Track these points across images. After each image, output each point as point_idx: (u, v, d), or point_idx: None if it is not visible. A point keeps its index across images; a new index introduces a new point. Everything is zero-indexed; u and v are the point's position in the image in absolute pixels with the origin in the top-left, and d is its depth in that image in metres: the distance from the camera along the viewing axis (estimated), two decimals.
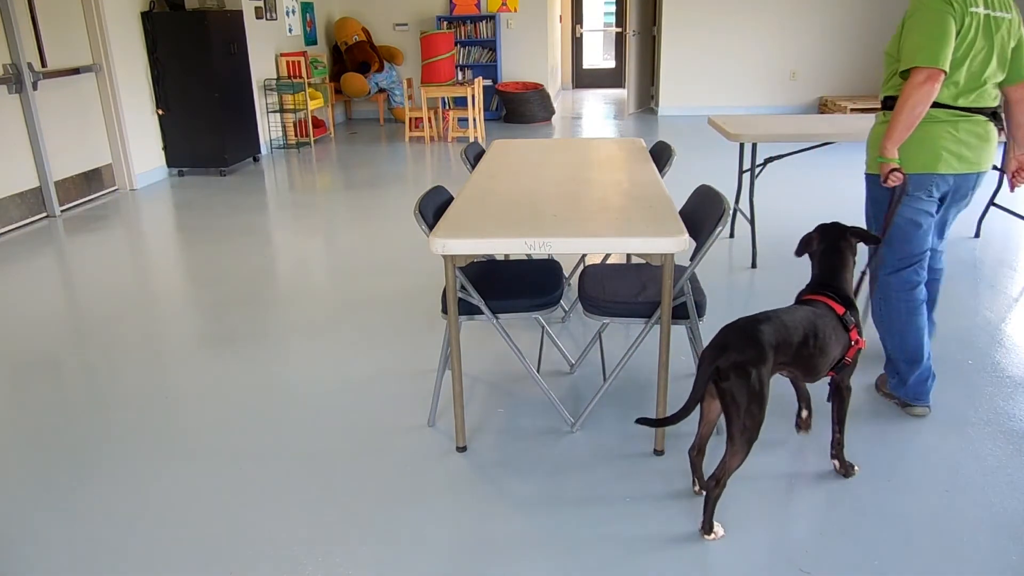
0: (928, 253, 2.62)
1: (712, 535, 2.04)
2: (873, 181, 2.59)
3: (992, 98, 2.47)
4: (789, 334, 2.03)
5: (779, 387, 2.82)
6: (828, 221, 2.39)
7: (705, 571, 1.93)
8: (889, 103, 2.48)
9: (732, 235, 4.75)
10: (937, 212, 2.60)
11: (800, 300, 2.29)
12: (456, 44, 9.70)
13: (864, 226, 2.56)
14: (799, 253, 2.40)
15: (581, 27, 13.77)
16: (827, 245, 2.33)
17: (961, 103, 2.42)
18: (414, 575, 1.95)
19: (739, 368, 1.90)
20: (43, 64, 5.44)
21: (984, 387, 2.82)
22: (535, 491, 2.27)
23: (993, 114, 2.48)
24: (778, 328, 2.01)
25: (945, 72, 2.32)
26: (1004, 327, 3.33)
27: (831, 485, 2.26)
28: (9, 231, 5.19)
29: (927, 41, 2.30)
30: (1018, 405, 2.69)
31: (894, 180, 2.42)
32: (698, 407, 1.99)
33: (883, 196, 2.54)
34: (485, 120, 9.37)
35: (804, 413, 2.53)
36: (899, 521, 2.10)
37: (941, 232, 2.79)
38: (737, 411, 1.92)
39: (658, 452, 2.44)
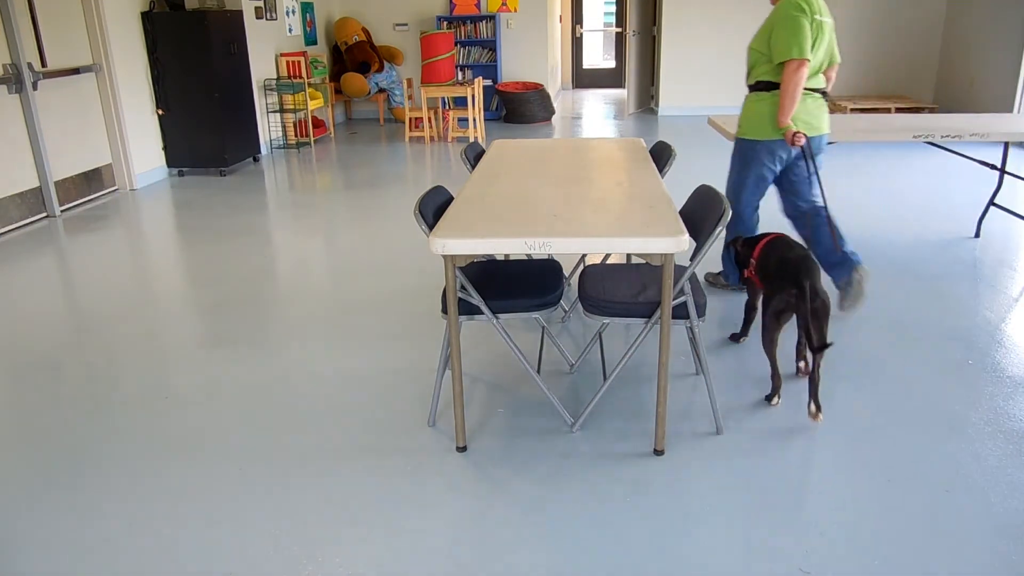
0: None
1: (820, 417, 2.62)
2: (746, 144, 3.44)
3: (822, 81, 3.38)
4: None
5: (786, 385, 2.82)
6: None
7: (705, 571, 1.93)
8: (760, 86, 3.38)
9: None
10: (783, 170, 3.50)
11: (760, 241, 2.92)
12: (456, 44, 9.70)
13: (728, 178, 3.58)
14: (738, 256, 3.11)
15: (581, 27, 13.77)
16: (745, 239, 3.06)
17: (808, 85, 3.28)
18: (414, 575, 1.95)
19: (820, 289, 2.58)
20: (43, 64, 5.44)
21: (984, 387, 2.82)
22: (535, 491, 2.27)
23: (824, 92, 3.39)
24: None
25: (809, 60, 3.18)
26: (1004, 327, 3.33)
27: (832, 485, 2.27)
28: (9, 231, 5.19)
29: (796, 39, 3.15)
30: (1018, 405, 2.69)
31: (799, 140, 3.25)
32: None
33: (751, 155, 3.43)
34: (485, 120, 9.38)
35: (802, 364, 2.94)
36: (899, 521, 2.10)
37: (808, 189, 3.52)
38: (824, 319, 2.56)
39: (658, 452, 2.44)
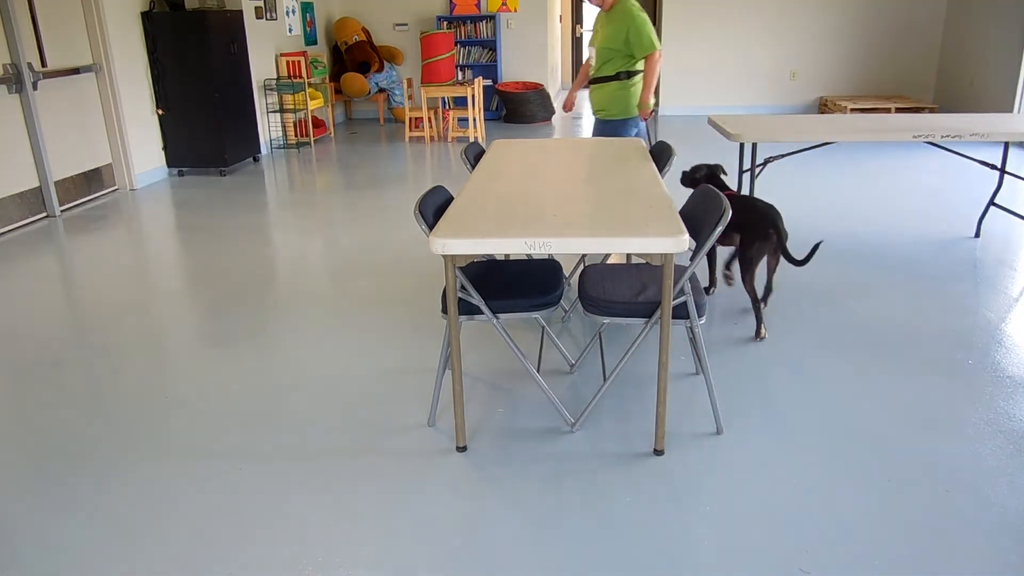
0: None
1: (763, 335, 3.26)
2: (621, 123, 4.24)
3: None
4: None
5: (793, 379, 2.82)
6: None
7: (705, 571, 1.93)
8: (622, 76, 4.14)
9: None
10: None
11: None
12: (456, 44, 9.69)
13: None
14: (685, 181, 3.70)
15: (581, 27, 13.78)
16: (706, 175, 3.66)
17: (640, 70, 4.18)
18: (414, 575, 1.95)
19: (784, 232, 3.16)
20: (43, 64, 5.44)
21: (984, 387, 2.82)
22: (535, 491, 2.27)
23: None
24: None
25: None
26: (1004, 327, 3.33)
27: (831, 485, 2.27)
28: (9, 231, 5.19)
29: (653, 34, 4.03)
30: (1018, 405, 2.69)
31: (651, 115, 4.22)
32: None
33: (624, 131, 4.24)
34: (485, 120, 9.37)
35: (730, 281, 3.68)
36: (899, 521, 2.10)
37: None
38: (780, 258, 3.19)
39: (658, 452, 2.44)
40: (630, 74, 4.14)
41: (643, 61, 4.10)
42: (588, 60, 4.37)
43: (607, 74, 4.17)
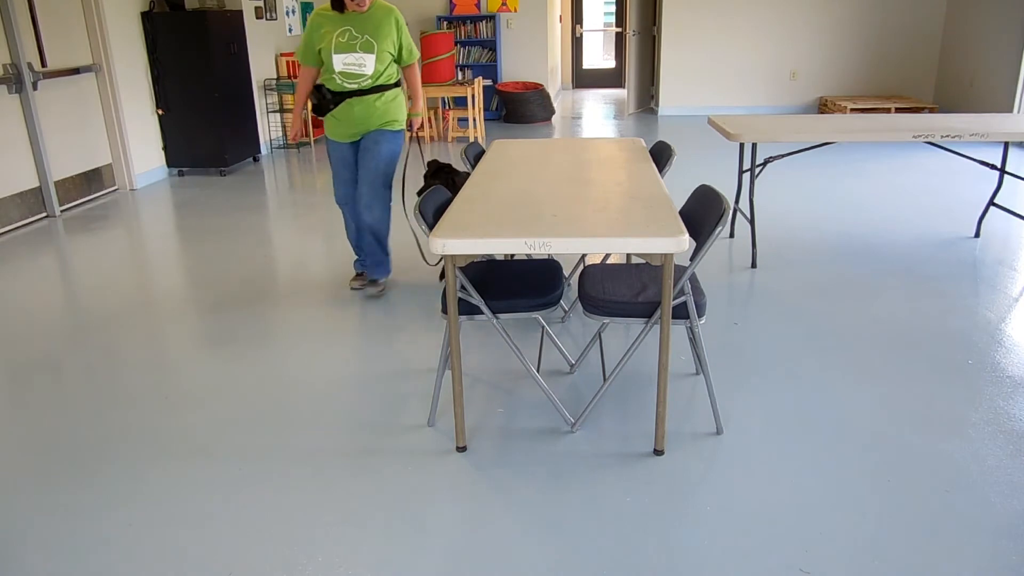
0: None
1: None
2: (401, 132, 3.81)
3: None
4: None
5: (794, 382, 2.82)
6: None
7: (705, 571, 1.93)
8: (397, 84, 3.76)
9: (732, 235, 4.75)
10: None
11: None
12: (456, 44, 9.69)
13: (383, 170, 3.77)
14: None
15: (581, 27, 13.77)
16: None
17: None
18: (414, 575, 1.95)
19: None
20: (43, 64, 5.44)
21: (984, 387, 2.82)
22: (535, 491, 2.27)
23: None
24: None
25: None
26: (1004, 327, 3.33)
27: (831, 485, 2.27)
28: (9, 231, 5.19)
29: (414, 43, 3.98)
30: (1018, 405, 2.69)
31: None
32: None
33: (403, 139, 3.85)
34: (485, 120, 9.37)
35: None
36: (899, 521, 2.10)
37: None
38: None
39: (658, 452, 2.44)
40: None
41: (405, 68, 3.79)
42: (315, 71, 3.67)
43: (391, 82, 3.68)
